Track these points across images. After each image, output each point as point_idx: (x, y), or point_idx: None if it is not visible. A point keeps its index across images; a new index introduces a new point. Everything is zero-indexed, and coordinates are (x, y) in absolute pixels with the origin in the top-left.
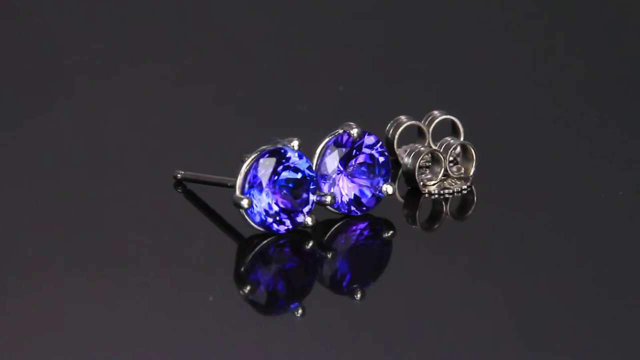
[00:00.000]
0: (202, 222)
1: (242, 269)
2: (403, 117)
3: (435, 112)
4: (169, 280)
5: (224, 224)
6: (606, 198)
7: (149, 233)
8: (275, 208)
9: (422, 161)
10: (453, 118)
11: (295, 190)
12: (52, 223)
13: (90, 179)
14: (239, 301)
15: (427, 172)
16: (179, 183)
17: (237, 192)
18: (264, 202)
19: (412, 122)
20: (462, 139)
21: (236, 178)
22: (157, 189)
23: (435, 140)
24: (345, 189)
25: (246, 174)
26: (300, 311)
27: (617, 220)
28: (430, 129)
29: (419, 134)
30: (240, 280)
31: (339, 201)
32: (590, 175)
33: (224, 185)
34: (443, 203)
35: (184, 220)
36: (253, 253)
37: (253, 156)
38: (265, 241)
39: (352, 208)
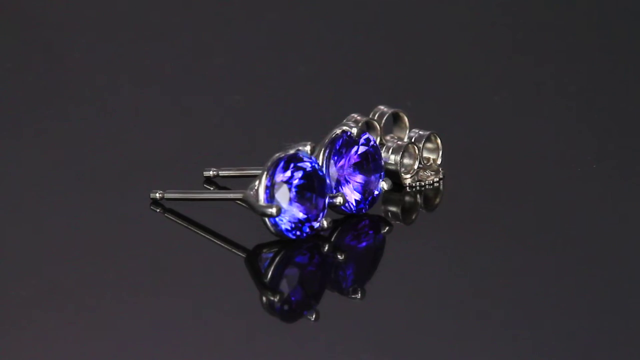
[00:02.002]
0: (197, 240)
1: (267, 279)
2: (356, 115)
3: (382, 107)
4: (188, 300)
5: (220, 239)
6: (580, 176)
7: (149, 257)
8: (298, 215)
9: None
10: (400, 111)
11: (312, 195)
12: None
13: (65, 200)
14: (261, 311)
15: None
16: (156, 203)
17: (261, 201)
18: (288, 210)
19: (366, 118)
20: (408, 131)
21: (247, 189)
22: (134, 210)
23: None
24: (348, 189)
25: (267, 183)
26: (314, 315)
27: (589, 200)
28: (382, 124)
29: (369, 129)
30: (268, 290)
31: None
32: (558, 158)
33: (224, 199)
34: (418, 195)
35: (177, 240)
36: (275, 262)
37: (270, 165)
38: (275, 249)
39: (355, 207)
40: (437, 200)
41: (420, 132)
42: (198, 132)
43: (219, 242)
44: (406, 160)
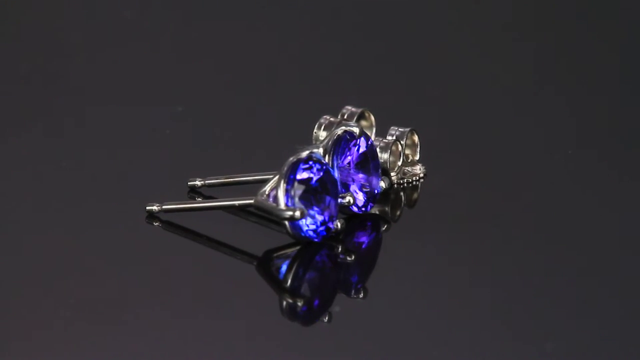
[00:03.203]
0: (202, 251)
1: (287, 284)
2: (328, 117)
3: (349, 107)
4: (205, 312)
5: (227, 248)
6: (562, 168)
7: (157, 271)
8: (317, 217)
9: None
10: (367, 110)
11: (327, 197)
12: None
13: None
14: (279, 317)
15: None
16: (152, 216)
17: (282, 205)
18: (310, 214)
19: (338, 119)
20: (374, 129)
21: (256, 195)
22: (131, 225)
23: None
24: (352, 188)
25: (287, 186)
26: (327, 317)
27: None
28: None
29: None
30: (291, 295)
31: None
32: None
33: (229, 207)
34: (401, 192)
35: (183, 252)
36: (293, 267)
37: (287, 168)
38: (286, 253)
39: (360, 206)
40: (416, 195)
41: (400, 129)
42: (165, 143)
43: (225, 252)
44: (390, 158)
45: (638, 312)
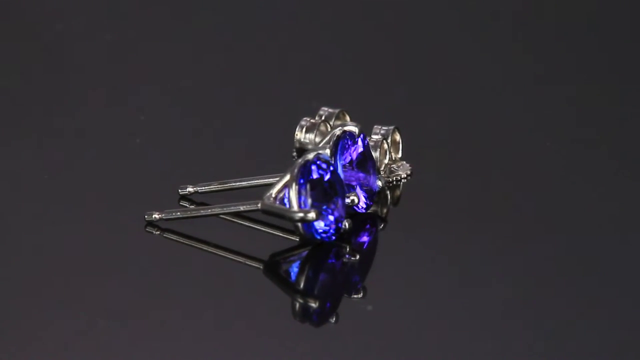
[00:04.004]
0: (206, 257)
1: (300, 287)
2: (308, 119)
3: (326, 108)
4: (215, 317)
5: (232, 253)
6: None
7: (163, 280)
8: (329, 217)
9: None
10: (343, 110)
11: (335, 197)
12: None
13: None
14: (292, 319)
15: None
16: (150, 225)
17: (295, 208)
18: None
19: (318, 121)
20: None
21: (263, 198)
22: (131, 234)
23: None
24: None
25: (299, 188)
26: (334, 317)
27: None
28: (332, 124)
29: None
30: (304, 297)
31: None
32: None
33: (234, 213)
34: (388, 191)
35: (188, 260)
36: (305, 268)
37: (297, 170)
38: (293, 255)
39: (361, 206)
40: (398, 192)
41: (384, 128)
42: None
43: (230, 257)
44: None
45: (637, 310)
